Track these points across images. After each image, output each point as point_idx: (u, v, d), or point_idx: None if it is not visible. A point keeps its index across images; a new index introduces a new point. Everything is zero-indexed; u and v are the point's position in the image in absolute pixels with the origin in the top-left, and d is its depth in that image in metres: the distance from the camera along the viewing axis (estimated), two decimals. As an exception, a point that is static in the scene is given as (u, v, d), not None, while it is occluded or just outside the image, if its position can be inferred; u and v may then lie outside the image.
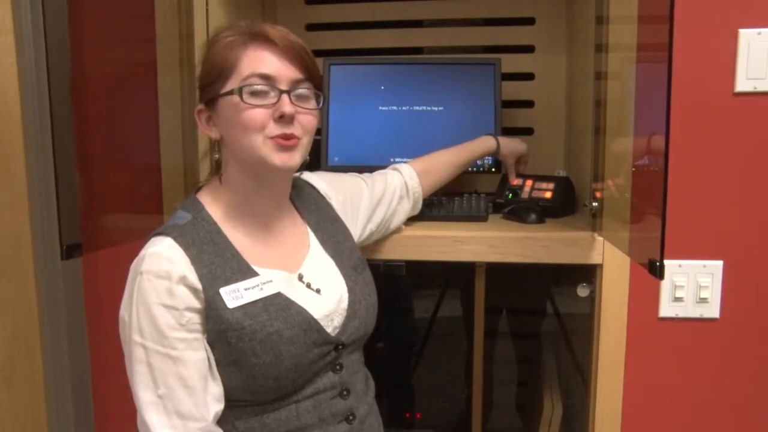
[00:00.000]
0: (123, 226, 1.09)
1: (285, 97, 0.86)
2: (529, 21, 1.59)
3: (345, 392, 0.93)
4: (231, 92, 0.86)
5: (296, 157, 0.89)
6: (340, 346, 0.92)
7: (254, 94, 0.86)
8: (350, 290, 0.96)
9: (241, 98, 0.85)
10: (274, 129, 0.86)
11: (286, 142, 0.86)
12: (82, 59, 0.95)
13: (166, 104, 1.23)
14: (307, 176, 1.09)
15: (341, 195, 1.08)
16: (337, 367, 0.93)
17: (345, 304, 0.95)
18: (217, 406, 0.85)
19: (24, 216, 1.31)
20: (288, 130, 0.86)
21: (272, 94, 0.86)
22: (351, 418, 0.93)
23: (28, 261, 1.33)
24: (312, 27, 1.66)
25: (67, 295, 1.41)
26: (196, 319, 0.83)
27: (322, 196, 1.06)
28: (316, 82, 0.92)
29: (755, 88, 1.16)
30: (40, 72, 1.29)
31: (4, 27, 1.24)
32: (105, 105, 1.05)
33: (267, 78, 0.86)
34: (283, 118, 0.86)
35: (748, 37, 1.15)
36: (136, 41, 1.17)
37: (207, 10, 1.32)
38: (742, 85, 1.16)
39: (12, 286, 1.31)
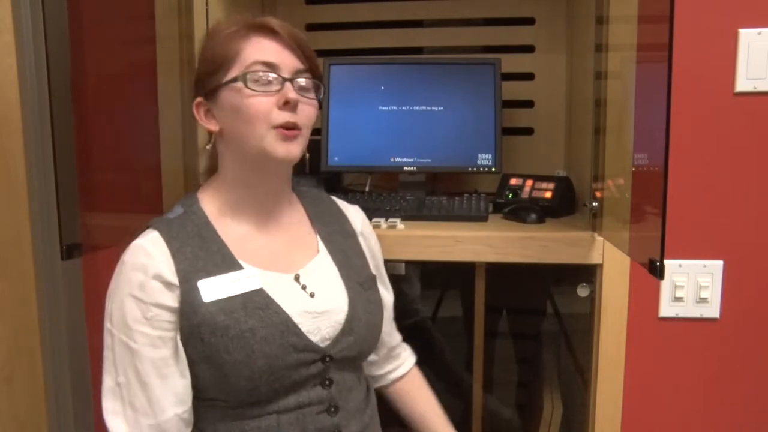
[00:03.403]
0: (123, 226, 1.09)
1: (288, 84, 0.86)
2: (529, 21, 1.60)
3: (333, 409, 0.90)
4: (234, 80, 0.85)
5: (298, 149, 0.88)
6: (328, 359, 0.89)
7: (258, 81, 0.85)
8: (351, 304, 0.92)
9: (246, 85, 0.85)
10: (279, 117, 0.85)
11: (288, 132, 0.86)
12: (82, 59, 0.95)
13: (166, 104, 1.23)
14: (342, 203, 1.07)
15: (370, 241, 1.06)
16: (327, 382, 0.89)
17: (341, 317, 0.91)
18: (176, 408, 0.83)
19: (24, 216, 1.31)
20: (292, 119, 0.86)
21: (275, 82, 0.86)
22: None
23: (28, 261, 1.33)
24: (312, 27, 1.66)
25: (67, 295, 1.41)
26: (164, 316, 0.83)
27: (341, 211, 1.05)
28: (316, 72, 0.92)
29: (755, 88, 1.16)
30: (40, 72, 1.29)
31: (4, 27, 1.24)
32: (105, 105, 1.05)
33: (270, 66, 0.86)
34: (287, 105, 0.85)
35: (748, 37, 1.15)
36: (136, 41, 1.17)
37: (207, 10, 1.32)
38: (742, 85, 1.16)
39: (12, 286, 1.31)
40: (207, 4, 1.32)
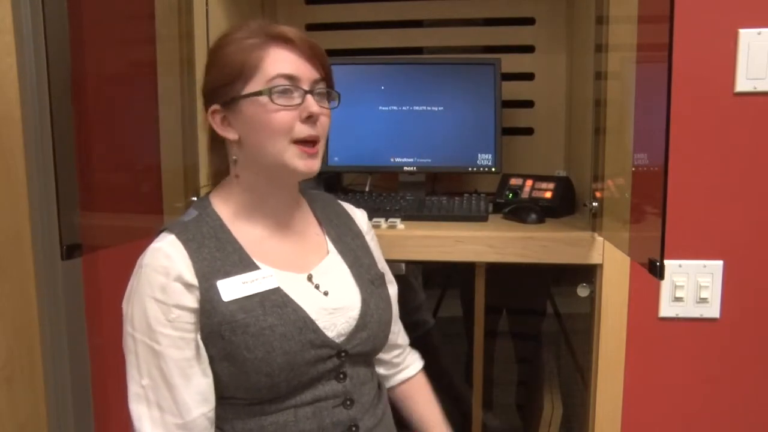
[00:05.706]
0: (123, 226, 1.09)
1: (309, 97, 0.87)
2: (529, 21, 1.60)
3: (348, 402, 0.91)
4: (259, 93, 0.86)
5: (318, 163, 0.90)
6: (343, 354, 0.91)
7: (282, 95, 0.86)
8: (364, 301, 0.94)
9: (271, 99, 0.85)
10: (301, 131, 0.86)
11: (309, 150, 0.87)
12: (82, 59, 0.95)
13: (166, 104, 1.23)
14: (348, 206, 1.08)
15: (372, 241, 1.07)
16: (341, 376, 0.91)
17: (355, 313, 0.93)
18: (201, 407, 0.85)
19: (24, 216, 1.31)
20: (314, 131, 0.87)
21: (296, 94, 0.86)
22: (354, 429, 0.92)
23: (28, 261, 1.33)
24: (312, 27, 1.66)
25: (67, 295, 1.41)
26: (185, 317, 0.84)
27: (347, 213, 1.06)
28: (331, 81, 0.93)
29: (755, 88, 1.16)
30: (40, 72, 1.29)
31: (4, 27, 1.24)
32: (105, 105, 1.05)
33: (291, 78, 0.87)
34: (310, 119, 0.87)
35: (748, 37, 1.15)
36: (136, 41, 1.17)
37: (207, 10, 1.32)
38: (742, 85, 1.16)
39: (12, 286, 1.31)
40: (207, 4, 1.32)
